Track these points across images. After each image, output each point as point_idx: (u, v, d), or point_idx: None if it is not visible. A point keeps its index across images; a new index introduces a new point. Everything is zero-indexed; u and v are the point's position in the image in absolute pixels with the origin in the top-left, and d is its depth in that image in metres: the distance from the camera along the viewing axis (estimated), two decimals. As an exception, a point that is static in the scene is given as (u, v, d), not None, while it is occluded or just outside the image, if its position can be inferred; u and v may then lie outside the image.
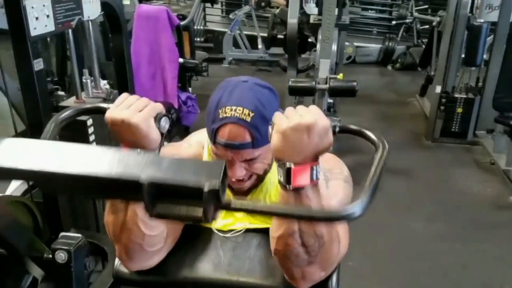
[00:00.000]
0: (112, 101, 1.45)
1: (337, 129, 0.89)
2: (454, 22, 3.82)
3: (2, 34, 1.88)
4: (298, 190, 0.85)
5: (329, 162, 1.07)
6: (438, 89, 4.01)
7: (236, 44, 6.53)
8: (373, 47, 6.86)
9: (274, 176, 1.01)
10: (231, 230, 1.09)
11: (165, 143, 1.10)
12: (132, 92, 2.18)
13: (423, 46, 5.74)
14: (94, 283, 1.59)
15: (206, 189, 0.47)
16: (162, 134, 0.92)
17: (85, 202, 2.09)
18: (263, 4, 6.15)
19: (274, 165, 0.99)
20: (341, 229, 0.96)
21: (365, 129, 0.90)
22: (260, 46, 6.44)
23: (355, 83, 2.42)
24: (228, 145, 0.99)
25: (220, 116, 0.98)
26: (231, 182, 1.05)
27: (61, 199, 1.85)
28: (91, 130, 1.95)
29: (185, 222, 1.04)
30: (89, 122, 1.93)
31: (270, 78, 1.92)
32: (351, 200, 1.02)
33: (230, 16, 6.50)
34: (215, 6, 6.42)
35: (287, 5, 4.42)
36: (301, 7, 3.83)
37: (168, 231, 1.01)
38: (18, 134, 1.92)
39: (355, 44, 6.76)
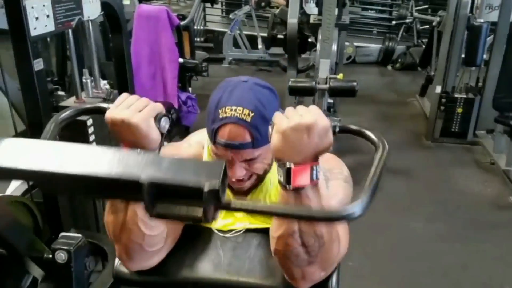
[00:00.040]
0: (112, 101, 1.45)
1: (337, 129, 0.89)
2: (454, 22, 3.82)
3: (2, 34, 1.88)
4: (298, 190, 0.85)
5: (329, 162, 1.07)
6: (438, 89, 4.01)
7: (236, 44, 6.53)
8: (373, 47, 6.85)
9: (274, 176, 1.01)
10: (231, 230, 1.09)
11: (165, 143, 1.10)
12: (132, 92, 2.18)
13: (423, 46, 5.74)
14: (94, 283, 1.59)
15: (206, 189, 0.47)
16: (162, 134, 0.92)
17: (85, 202, 2.09)
18: (263, 4, 6.15)
19: (274, 165, 0.99)
20: (341, 229, 0.95)
21: (365, 129, 0.90)
22: (260, 46, 6.44)
23: (355, 83, 2.42)
24: (228, 145, 0.99)
25: (220, 116, 0.98)
26: (231, 182, 1.05)
27: (61, 199, 1.85)
28: (91, 130, 1.95)
29: (185, 222, 1.04)
30: (89, 122, 1.93)
31: (270, 78, 1.92)
32: (351, 200, 1.02)
33: (230, 16, 6.50)
34: (215, 6, 6.43)
35: (287, 5, 4.42)
36: (301, 7, 3.83)
37: (168, 231, 1.01)
38: (18, 134, 1.92)
39: (355, 44, 6.75)
